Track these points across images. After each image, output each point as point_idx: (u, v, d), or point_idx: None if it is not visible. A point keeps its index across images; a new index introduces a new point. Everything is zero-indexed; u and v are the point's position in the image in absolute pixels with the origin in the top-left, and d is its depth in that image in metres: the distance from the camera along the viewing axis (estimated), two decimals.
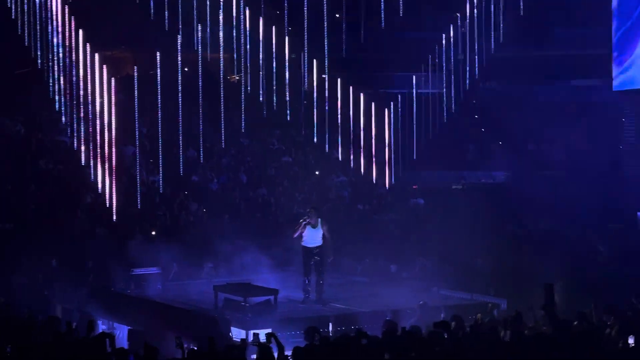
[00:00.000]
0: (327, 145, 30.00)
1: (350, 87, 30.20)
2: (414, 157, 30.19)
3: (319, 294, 17.76)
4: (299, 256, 18.25)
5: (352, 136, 29.66)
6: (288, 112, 30.41)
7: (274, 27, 32.08)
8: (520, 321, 14.26)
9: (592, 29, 31.34)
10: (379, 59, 33.86)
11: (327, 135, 29.66)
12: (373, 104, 30.15)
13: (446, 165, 30.61)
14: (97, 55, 25.61)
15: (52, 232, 22.66)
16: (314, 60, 31.12)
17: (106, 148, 24.34)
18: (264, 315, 15.99)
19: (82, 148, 25.30)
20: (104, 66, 25.58)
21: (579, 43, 32.62)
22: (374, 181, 29.75)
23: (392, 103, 30.71)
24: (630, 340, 12.87)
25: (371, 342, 13.03)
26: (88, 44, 25.94)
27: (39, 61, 29.36)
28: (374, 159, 29.42)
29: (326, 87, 30.54)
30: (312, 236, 17.53)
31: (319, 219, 17.56)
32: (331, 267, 21.17)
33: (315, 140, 30.21)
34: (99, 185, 24.22)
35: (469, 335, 13.60)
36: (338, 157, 30.14)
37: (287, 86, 30.71)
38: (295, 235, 17.76)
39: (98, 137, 24.66)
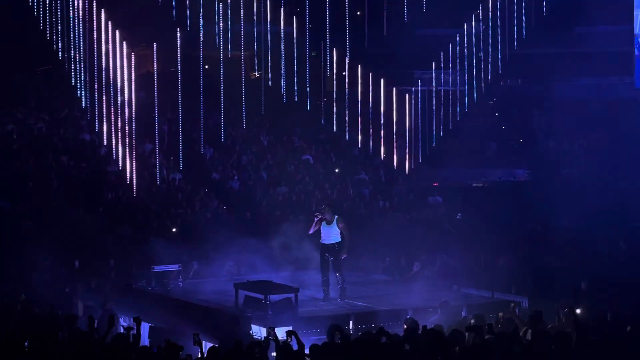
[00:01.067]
0: (347, 134, 30.05)
1: (370, 74, 30.29)
2: (434, 144, 30.21)
3: (342, 291, 17.80)
4: (318, 255, 18.39)
5: (372, 122, 29.80)
6: (308, 101, 30.52)
7: (295, 24, 32.11)
8: (540, 320, 14.21)
9: (615, 26, 31.17)
10: (400, 55, 33.79)
11: (347, 125, 29.71)
12: (394, 90, 30.23)
13: (467, 163, 30.54)
14: (124, 44, 25.83)
15: (73, 229, 22.76)
16: (334, 53, 31.17)
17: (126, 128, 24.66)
18: (284, 313, 15.99)
19: (104, 129, 25.64)
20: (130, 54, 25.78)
21: (601, 40, 32.45)
22: (395, 166, 29.91)
23: (412, 89, 30.82)
24: None
25: (392, 340, 13.03)
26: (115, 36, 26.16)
27: (60, 54, 29.52)
28: (395, 144, 29.58)
29: (346, 75, 30.61)
30: (328, 233, 17.60)
31: (335, 216, 17.62)
32: (352, 266, 21.23)
33: (334, 129, 30.29)
34: (120, 163, 24.48)
35: (491, 334, 13.56)
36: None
37: (307, 79, 30.81)
38: (311, 231, 17.85)
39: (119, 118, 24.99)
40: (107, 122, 26.09)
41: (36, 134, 27.43)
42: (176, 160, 27.54)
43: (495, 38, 34.28)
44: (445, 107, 32.68)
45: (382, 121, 30.31)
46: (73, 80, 28.85)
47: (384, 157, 29.99)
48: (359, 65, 30.49)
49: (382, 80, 30.55)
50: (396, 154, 29.80)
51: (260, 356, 12.45)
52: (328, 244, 17.62)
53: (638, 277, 19.51)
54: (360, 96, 30.48)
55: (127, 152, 24.72)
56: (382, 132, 29.95)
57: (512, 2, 33.11)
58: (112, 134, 25.77)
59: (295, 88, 31.07)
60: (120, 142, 25.06)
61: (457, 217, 26.40)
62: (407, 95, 30.69)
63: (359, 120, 30.43)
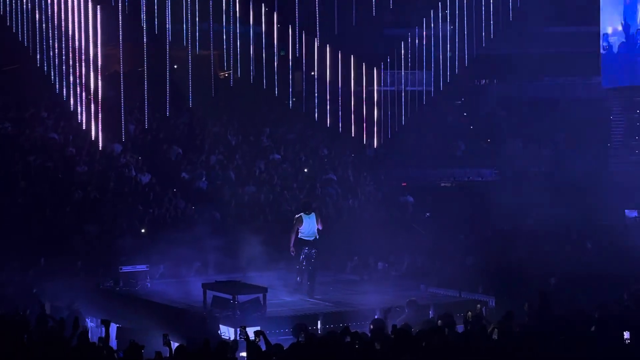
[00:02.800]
0: (316, 114, 30.26)
1: (339, 53, 30.61)
2: (403, 124, 30.44)
3: (310, 289, 18.16)
4: (289, 254, 18.68)
5: (340, 100, 30.08)
6: (276, 85, 30.70)
7: (263, 24, 32.09)
8: (511, 320, 14.33)
9: (581, 27, 31.43)
10: (368, 54, 33.92)
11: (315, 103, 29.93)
12: (364, 65, 30.52)
13: (435, 163, 30.67)
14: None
15: (41, 229, 22.63)
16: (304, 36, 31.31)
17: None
18: (252, 313, 16.00)
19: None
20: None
21: (568, 40, 32.71)
22: (364, 142, 30.20)
23: (381, 63, 31.11)
24: (626, 335, 12.85)
25: (359, 339, 13.08)
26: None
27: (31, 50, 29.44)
28: (364, 120, 29.90)
29: (315, 54, 30.83)
30: (308, 229, 18.11)
31: (313, 213, 18.22)
32: (321, 265, 21.29)
33: (304, 110, 30.49)
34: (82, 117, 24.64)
35: (459, 333, 13.66)
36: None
37: (275, 74, 30.97)
38: (292, 244, 18.26)
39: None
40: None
41: (2, 133, 27.23)
42: (144, 160, 27.44)
43: (462, 38, 34.47)
44: (412, 107, 32.84)
45: (352, 99, 30.67)
46: (45, 66, 28.81)
47: (354, 134, 30.43)
48: (327, 45, 30.76)
49: (352, 58, 30.89)
50: (365, 131, 30.27)
51: (229, 356, 12.46)
52: (308, 239, 18.09)
53: (603, 276, 19.70)
54: (329, 75, 30.80)
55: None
56: (352, 108, 30.31)
57: (480, 1, 33.30)
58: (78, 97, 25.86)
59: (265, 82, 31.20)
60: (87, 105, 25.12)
61: (426, 215, 26.52)
62: (375, 71, 30.98)
63: (328, 98, 30.76)
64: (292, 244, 18.23)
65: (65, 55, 27.58)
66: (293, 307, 17.37)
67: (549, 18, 33.11)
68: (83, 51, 26.36)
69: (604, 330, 13.59)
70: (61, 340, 13.19)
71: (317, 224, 18.17)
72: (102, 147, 26.07)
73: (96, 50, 25.83)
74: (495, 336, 13.50)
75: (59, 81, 28.30)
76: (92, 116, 25.66)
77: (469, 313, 15.52)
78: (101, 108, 25.92)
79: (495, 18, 34.08)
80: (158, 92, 32.59)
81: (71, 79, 27.20)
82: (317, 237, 18.18)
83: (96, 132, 25.55)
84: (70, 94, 27.29)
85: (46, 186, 24.66)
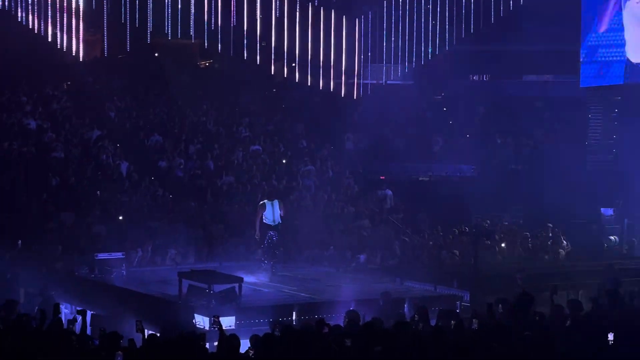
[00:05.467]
0: (297, 75, 30.42)
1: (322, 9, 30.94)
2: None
3: (274, 267, 19.59)
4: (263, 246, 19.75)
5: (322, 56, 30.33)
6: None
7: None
8: (491, 313, 14.42)
9: (560, 25, 31.52)
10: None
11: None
12: (344, 18, 30.77)
13: (414, 157, 30.71)
14: None
15: (16, 215, 22.51)
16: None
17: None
18: (227, 303, 15.99)
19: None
20: None
21: (547, 39, 32.81)
22: (342, 95, 30.47)
23: (363, 17, 31.40)
24: (610, 337, 12.85)
25: (333, 331, 13.10)
26: None
27: None
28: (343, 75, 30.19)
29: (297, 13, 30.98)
30: (272, 215, 19.59)
31: (276, 200, 19.85)
32: (296, 257, 21.38)
33: (285, 74, 30.61)
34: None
35: (432, 327, 13.71)
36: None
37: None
38: (257, 231, 19.71)
39: None
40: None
41: None
42: (122, 147, 27.34)
43: (443, 34, 34.54)
44: (393, 101, 32.87)
45: (332, 54, 30.91)
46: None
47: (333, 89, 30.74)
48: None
49: (332, 12, 31.13)
50: (344, 86, 30.60)
51: (201, 345, 12.44)
52: (271, 224, 19.59)
53: (578, 274, 19.84)
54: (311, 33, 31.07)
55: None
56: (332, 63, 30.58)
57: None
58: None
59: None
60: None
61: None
62: (356, 25, 31.17)
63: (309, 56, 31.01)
64: (257, 229, 19.64)
65: None
66: (268, 298, 17.39)
67: (528, 15, 33.21)
68: None
69: (578, 327, 13.67)
70: (30, 328, 13.11)
71: (280, 210, 19.62)
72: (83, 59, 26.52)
73: None
74: (475, 326, 13.52)
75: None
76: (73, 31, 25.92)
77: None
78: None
79: (476, 14, 34.19)
80: (138, 79, 32.51)
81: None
82: (280, 222, 19.62)
83: (77, 46, 25.69)
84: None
85: (22, 172, 24.52)
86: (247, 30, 32.63)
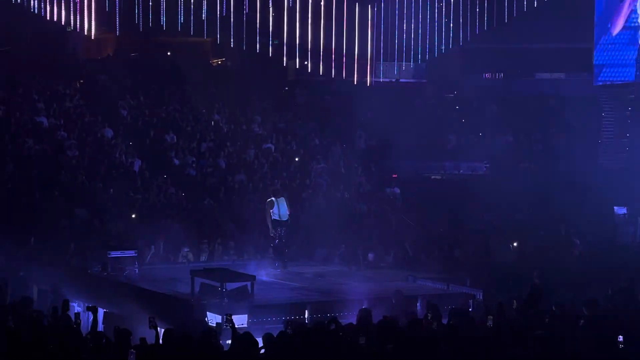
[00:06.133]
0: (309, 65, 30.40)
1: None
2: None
3: (283, 262, 19.89)
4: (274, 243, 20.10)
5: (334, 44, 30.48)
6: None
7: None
8: (502, 311, 14.40)
9: (574, 23, 31.44)
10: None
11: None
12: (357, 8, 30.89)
13: (426, 155, 30.67)
14: None
15: (29, 212, 22.58)
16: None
17: None
18: (240, 301, 16.00)
19: None
20: None
21: (560, 36, 32.72)
22: (354, 81, 30.51)
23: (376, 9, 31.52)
24: (620, 339, 12.77)
25: (345, 329, 13.11)
26: None
27: None
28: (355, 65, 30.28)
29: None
30: (280, 211, 19.98)
31: (282, 197, 20.26)
32: (308, 256, 21.41)
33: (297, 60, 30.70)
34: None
35: (445, 325, 13.70)
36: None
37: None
38: (268, 220, 20.03)
39: None
40: None
41: None
42: (135, 145, 27.39)
43: (457, 32, 34.48)
44: (406, 99, 32.85)
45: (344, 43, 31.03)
46: None
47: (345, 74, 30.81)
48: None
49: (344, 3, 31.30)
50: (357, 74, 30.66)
51: (214, 342, 12.47)
52: (282, 220, 19.99)
53: (590, 273, 19.76)
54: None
55: None
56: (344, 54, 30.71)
57: None
58: None
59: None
60: None
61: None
62: (368, 17, 31.25)
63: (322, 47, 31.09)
64: (270, 226, 19.95)
65: None
66: (281, 296, 17.39)
67: (541, 13, 33.12)
68: None
69: (591, 327, 13.62)
70: (42, 324, 13.15)
71: (287, 207, 20.06)
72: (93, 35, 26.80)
73: None
74: (490, 323, 13.48)
75: None
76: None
77: None
78: None
79: (489, 13, 34.12)
80: (151, 77, 32.54)
81: None
82: (288, 219, 20.07)
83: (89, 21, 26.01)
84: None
85: (35, 170, 24.60)
86: (259, 24, 32.67)
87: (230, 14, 33.02)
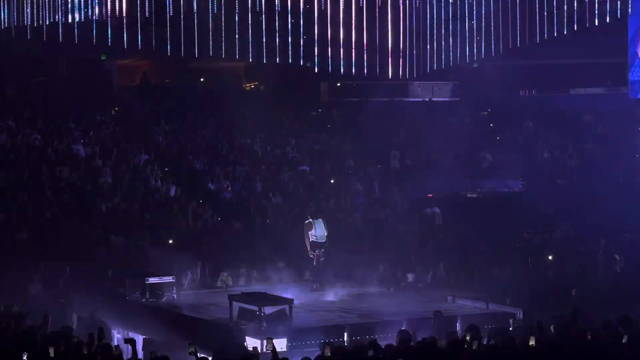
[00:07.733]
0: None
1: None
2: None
3: (322, 285, 19.78)
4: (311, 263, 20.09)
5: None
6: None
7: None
8: (541, 331, 14.25)
9: (608, 37, 31.25)
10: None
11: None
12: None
13: (461, 173, 30.51)
14: None
15: (67, 241, 22.71)
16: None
17: None
18: (278, 324, 15.97)
19: None
20: None
21: (595, 51, 32.52)
22: (390, 76, 30.51)
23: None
24: None
25: (385, 352, 13.00)
26: None
27: None
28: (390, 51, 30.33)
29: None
30: (319, 232, 19.93)
31: (320, 218, 20.19)
32: (346, 277, 21.35)
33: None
34: None
35: (486, 346, 13.56)
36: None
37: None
38: (307, 242, 19.94)
39: None
40: None
41: (30, 145, 27.39)
42: (171, 170, 27.51)
43: (489, 49, 34.37)
44: (440, 117, 32.75)
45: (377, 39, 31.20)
46: None
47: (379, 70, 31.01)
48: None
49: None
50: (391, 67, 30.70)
51: None
52: (321, 242, 19.93)
53: (633, 289, 19.53)
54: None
55: None
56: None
57: (507, 13, 33.18)
58: None
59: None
60: None
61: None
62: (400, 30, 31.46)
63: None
64: (309, 248, 19.86)
65: None
66: (319, 319, 17.33)
67: (574, 28, 32.96)
68: None
69: (634, 346, 13.44)
70: (82, 354, 13.17)
71: (325, 228, 19.99)
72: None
73: None
74: (532, 342, 13.34)
75: None
76: None
77: None
78: None
79: (522, 28, 33.97)
80: (185, 103, 32.74)
81: None
82: (326, 240, 19.98)
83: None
84: None
85: (73, 198, 24.76)
86: (291, 46, 32.83)
87: (262, 36, 33.14)
